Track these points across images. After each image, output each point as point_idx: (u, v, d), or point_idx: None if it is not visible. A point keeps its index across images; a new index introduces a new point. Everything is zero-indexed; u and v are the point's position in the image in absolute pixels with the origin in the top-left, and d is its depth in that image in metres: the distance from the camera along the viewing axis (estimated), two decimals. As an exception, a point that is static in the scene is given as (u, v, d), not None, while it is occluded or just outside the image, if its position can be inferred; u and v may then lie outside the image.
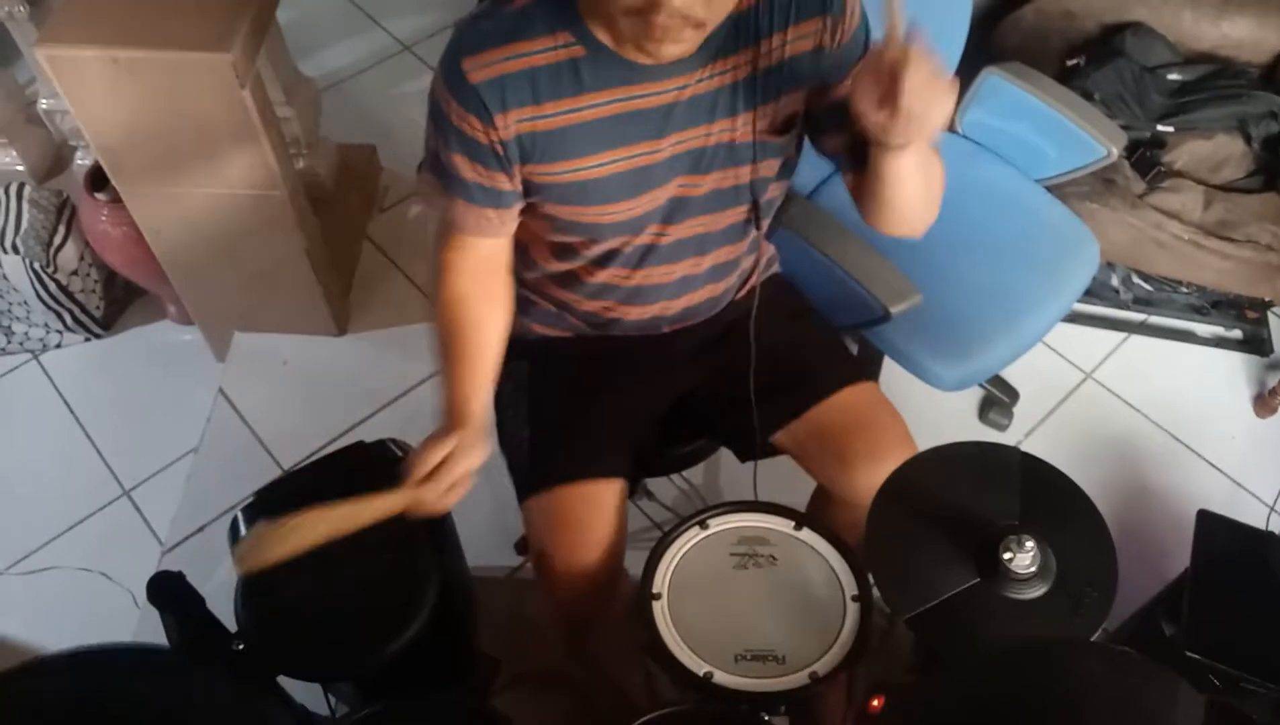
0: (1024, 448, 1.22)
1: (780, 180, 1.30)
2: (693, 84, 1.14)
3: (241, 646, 1.23)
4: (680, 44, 1.03)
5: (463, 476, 1.14)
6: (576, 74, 1.11)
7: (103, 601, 1.99)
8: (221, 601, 1.27)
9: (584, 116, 1.13)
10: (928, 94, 0.96)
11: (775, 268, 1.53)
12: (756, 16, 1.13)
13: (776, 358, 1.36)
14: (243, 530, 1.41)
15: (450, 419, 1.18)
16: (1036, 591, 1.08)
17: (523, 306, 1.44)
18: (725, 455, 1.56)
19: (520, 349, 1.47)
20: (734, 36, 1.14)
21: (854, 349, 1.98)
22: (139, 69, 1.74)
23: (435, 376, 1.25)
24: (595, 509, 1.34)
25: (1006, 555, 1.07)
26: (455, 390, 1.21)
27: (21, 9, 2.19)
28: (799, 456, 1.42)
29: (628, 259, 1.29)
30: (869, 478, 1.32)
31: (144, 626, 1.88)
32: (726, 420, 1.49)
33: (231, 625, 1.26)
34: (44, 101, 2.40)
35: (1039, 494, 1.17)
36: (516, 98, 1.11)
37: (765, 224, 1.35)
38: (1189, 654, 1.42)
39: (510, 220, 1.23)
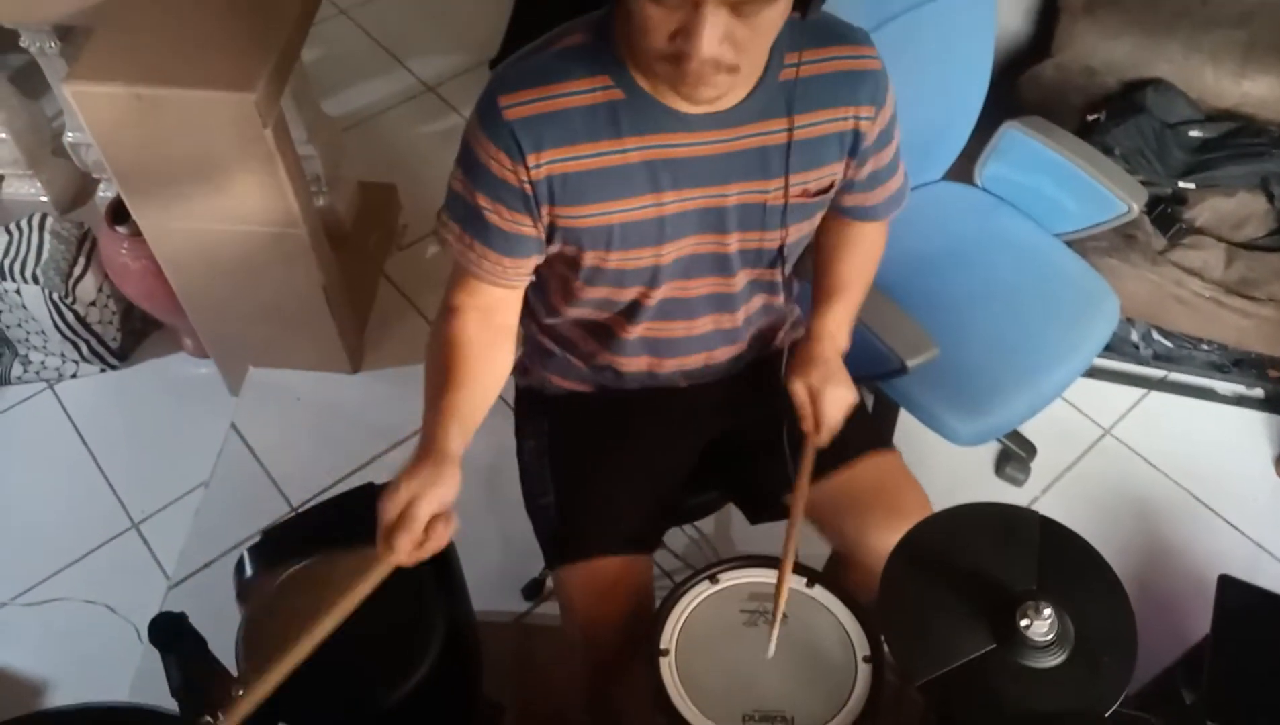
0: (1041, 503, 1.21)
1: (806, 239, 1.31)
2: (729, 140, 1.14)
3: (241, 693, 1.21)
4: (715, 89, 1.03)
5: (437, 517, 1.07)
6: (614, 118, 1.11)
7: (107, 635, 1.98)
8: (226, 638, 1.26)
9: (616, 161, 1.13)
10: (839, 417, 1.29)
11: (802, 330, 1.52)
12: (801, 88, 1.14)
13: (791, 436, 1.35)
14: (248, 571, 1.40)
15: (423, 452, 1.12)
16: (1054, 659, 1.05)
17: (543, 357, 1.43)
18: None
19: (540, 405, 1.47)
20: (779, 103, 1.14)
21: (870, 401, 1.97)
22: (163, 106, 1.76)
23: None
24: (626, 579, 1.33)
25: (1024, 622, 1.05)
26: (437, 424, 1.14)
27: (53, 45, 2.22)
28: (814, 519, 1.40)
29: (650, 312, 1.28)
30: (885, 542, 1.30)
31: (147, 662, 1.86)
32: (742, 479, 1.48)
33: (233, 667, 1.25)
34: (70, 135, 2.43)
35: (1057, 558, 1.14)
36: (551, 139, 1.10)
37: (793, 285, 1.35)
38: (1209, 722, 1.39)
39: (525, 271, 1.22)
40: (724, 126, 1.14)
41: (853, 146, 1.22)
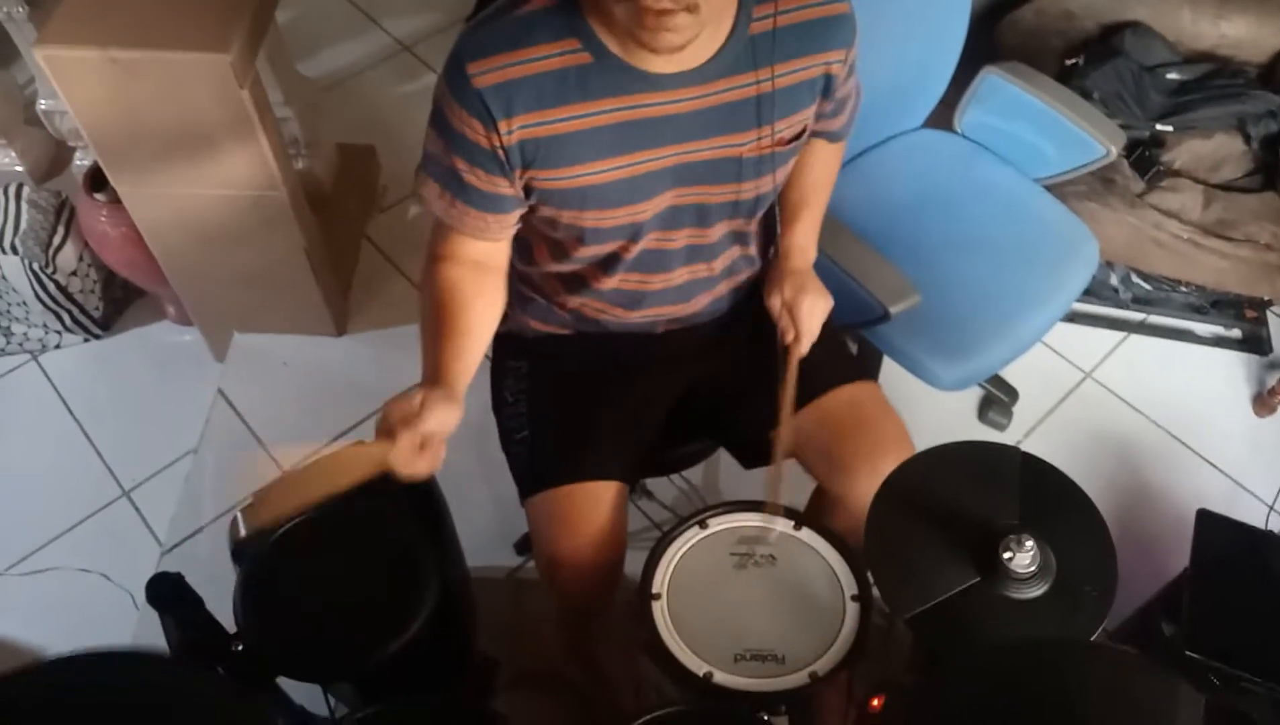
0: (1023, 447, 1.22)
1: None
2: (701, 96, 1.14)
3: (241, 647, 1.23)
4: (676, 32, 1.02)
5: (434, 436, 1.08)
6: (583, 81, 1.11)
7: (102, 602, 1.99)
8: (221, 601, 1.27)
9: (588, 123, 1.13)
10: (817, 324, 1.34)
11: None
12: (773, 42, 1.14)
13: (776, 356, 1.36)
14: (242, 531, 1.41)
15: (425, 381, 1.15)
16: (1036, 591, 1.08)
17: (521, 302, 1.44)
18: (725, 455, 1.56)
19: (519, 347, 1.48)
20: (748, 57, 1.14)
21: (854, 349, 1.98)
22: (137, 69, 1.74)
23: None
24: (596, 508, 1.34)
25: (1006, 555, 1.07)
26: (436, 358, 1.16)
27: (20, 10, 2.18)
28: (797, 454, 1.42)
29: (628, 263, 1.29)
30: (866, 479, 1.32)
31: (143, 627, 1.87)
32: (727, 421, 1.49)
33: (231, 626, 1.26)
34: (43, 102, 2.39)
35: (1039, 494, 1.16)
36: (521, 103, 1.10)
37: (773, 226, 1.36)
38: (1189, 653, 1.42)
39: (508, 225, 1.22)
40: (694, 84, 1.14)
41: (825, 88, 1.23)
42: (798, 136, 1.24)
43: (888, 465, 1.24)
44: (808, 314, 1.32)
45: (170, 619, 1.24)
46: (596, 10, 1.08)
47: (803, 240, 1.39)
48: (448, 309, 1.20)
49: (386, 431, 1.07)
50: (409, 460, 1.07)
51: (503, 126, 1.11)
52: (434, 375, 1.15)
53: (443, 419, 1.09)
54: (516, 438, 1.42)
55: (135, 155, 1.91)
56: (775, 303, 1.33)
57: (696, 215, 1.26)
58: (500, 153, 1.13)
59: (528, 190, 1.19)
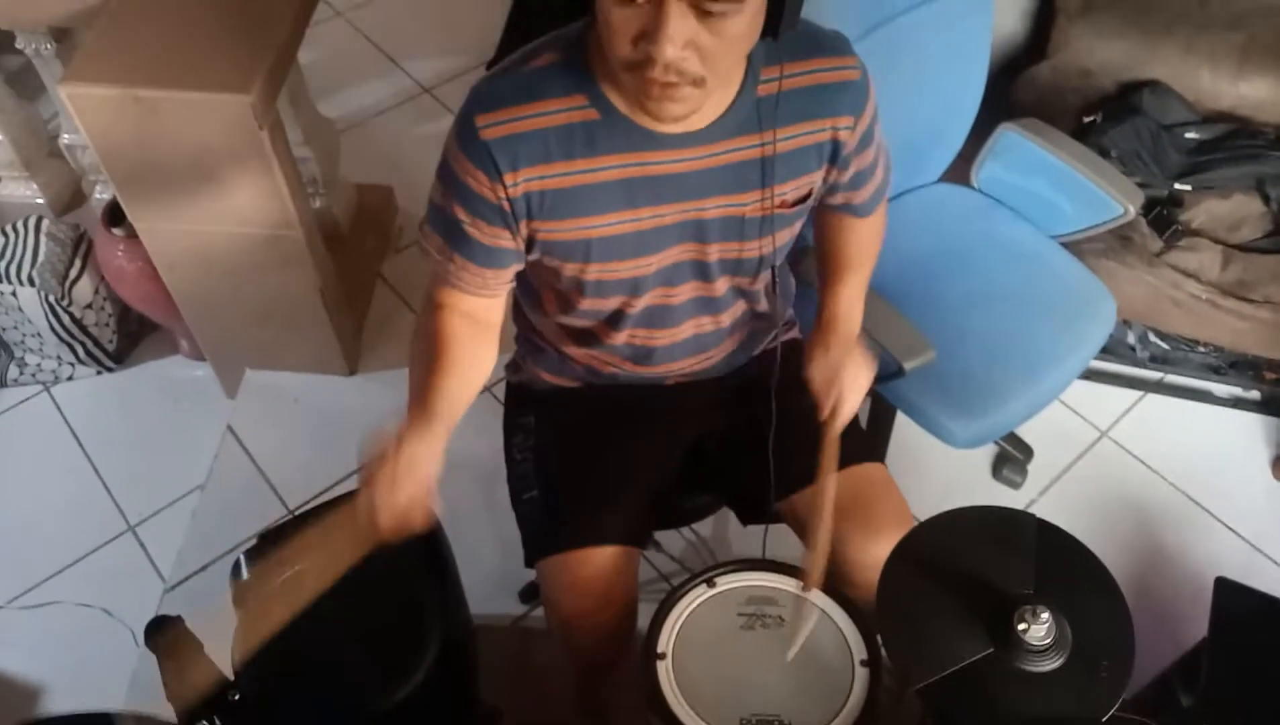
0: (1038, 506, 1.21)
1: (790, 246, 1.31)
2: (706, 156, 1.15)
3: (238, 696, 1.21)
4: (681, 103, 1.03)
5: (415, 472, 1.07)
6: (589, 136, 1.11)
7: (103, 638, 1.98)
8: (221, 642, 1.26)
9: (594, 178, 1.13)
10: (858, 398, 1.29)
11: (795, 332, 1.52)
12: (778, 104, 1.14)
13: (789, 425, 1.35)
14: (244, 573, 1.40)
15: (407, 417, 1.13)
16: (1052, 663, 1.05)
17: (534, 353, 1.44)
18: (734, 509, 1.54)
19: (528, 400, 1.47)
20: (754, 117, 1.14)
21: (867, 404, 1.97)
22: (159, 108, 1.76)
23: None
24: (609, 572, 1.33)
25: (1021, 626, 1.05)
26: (420, 395, 1.15)
27: (49, 46, 2.22)
28: (795, 527, 1.40)
29: (633, 318, 1.29)
30: (857, 554, 1.31)
31: (143, 665, 1.86)
32: (733, 481, 1.48)
33: (229, 671, 1.24)
34: (66, 136, 2.43)
35: (1054, 561, 1.14)
36: (527, 157, 1.11)
37: (778, 291, 1.36)
38: (1206, 726, 1.39)
39: (505, 280, 1.23)
40: (700, 144, 1.14)
41: (832, 155, 1.22)
42: (802, 200, 1.24)
43: (883, 544, 1.22)
44: (849, 387, 1.27)
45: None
46: (605, 71, 1.09)
47: (846, 307, 1.34)
48: (437, 350, 1.20)
49: (366, 476, 1.07)
50: (400, 525, 1.06)
51: (508, 179, 1.11)
52: (415, 410, 1.15)
53: (420, 453, 1.08)
54: (525, 497, 1.41)
55: (153, 191, 1.93)
56: (815, 378, 1.28)
57: (699, 271, 1.26)
58: (505, 205, 1.13)
59: (531, 242, 1.19)
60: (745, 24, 0.98)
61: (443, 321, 1.22)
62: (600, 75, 1.10)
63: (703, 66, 0.99)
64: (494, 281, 1.21)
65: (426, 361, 1.19)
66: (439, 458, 1.11)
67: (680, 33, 0.95)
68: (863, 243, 1.39)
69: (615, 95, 1.10)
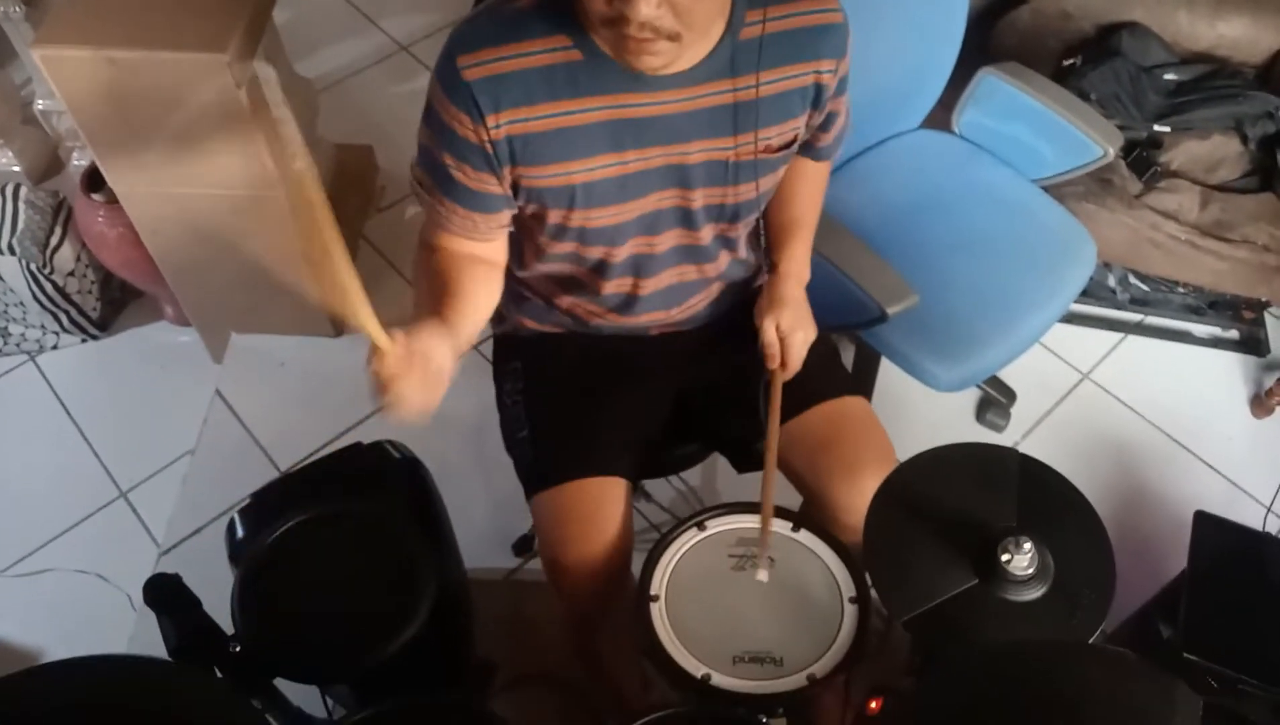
0: (1021, 448, 1.22)
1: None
2: (691, 99, 1.15)
3: (239, 649, 1.23)
4: (657, 56, 1.03)
5: (430, 360, 1.05)
6: (572, 78, 1.11)
7: (100, 603, 1.99)
8: (219, 603, 1.27)
9: (576, 120, 1.13)
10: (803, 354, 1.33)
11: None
12: (761, 48, 1.14)
13: (754, 374, 1.36)
14: (239, 532, 1.41)
15: (435, 327, 1.11)
16: (1034, 593, 1.08)
17: (517, 302, 1.44)
18: (722, 458, 1.56)
19: (514, 347, 1.48)
20: (736, 62, 1.14)
21: (851, 350, 1.99)
22: (135, 69, 1.73)
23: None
24: (602, 505, 1.34)
25: (1004, 557, 1.07)
26: (432, 312, 1.15)
27: (18, 9, 2.18)
28: (782, 466, 1.42)
29: (617, 267, 1.29)
30: (845, 495, 1.33)
31: (141, 629, 1.88)
32: (722, 426, 1.49)
33: (229, 627, 1.26)
34: (40, 102, 2.39)
35: (1036, 496, 1.16)
36: (510, 98, 1.10)
37: (761, 232, 1.36)
38: (1186, 656, 1.42)
39: (497, 226, 1.23)
40: (684, 86, 1.14)
41: (815, 98, 1.23)
42: (787, 145, 1.24)
43: (868, 482, 1.24)
44: (799, 346, 1.32)
45: (168, 620, 1.24)
46: (588, 14, 1.08)
47: (795, 265, 1.37)
48: (440, 283, 1.19)
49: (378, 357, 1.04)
50: (398, 372, 1.03)
51: (490, 121, 1.11)
52: (425, 316, 1.13)
53: (436, 344, 1.06)
54: (518, 436, 1.42)
55: (132, 155, 1.91)
56: (769, 329, 1.31)
57: (684, 218, 1.26)
58: (488, 147, 1.13)
59: (515, 189, 1.19)
60: None
61: (440, 259, 1.23)
62: (584, 18, 1.09)
63: (677, 23, 0.99)
64: (484, 226, 1.21)
65: (432, 295, 1.18)
66: (451, 347, 1.09)
67: None
68: (810, 195, 1.41)
69: (599, 37, 1.10)
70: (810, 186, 1.41)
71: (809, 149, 1.36)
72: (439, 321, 1.12)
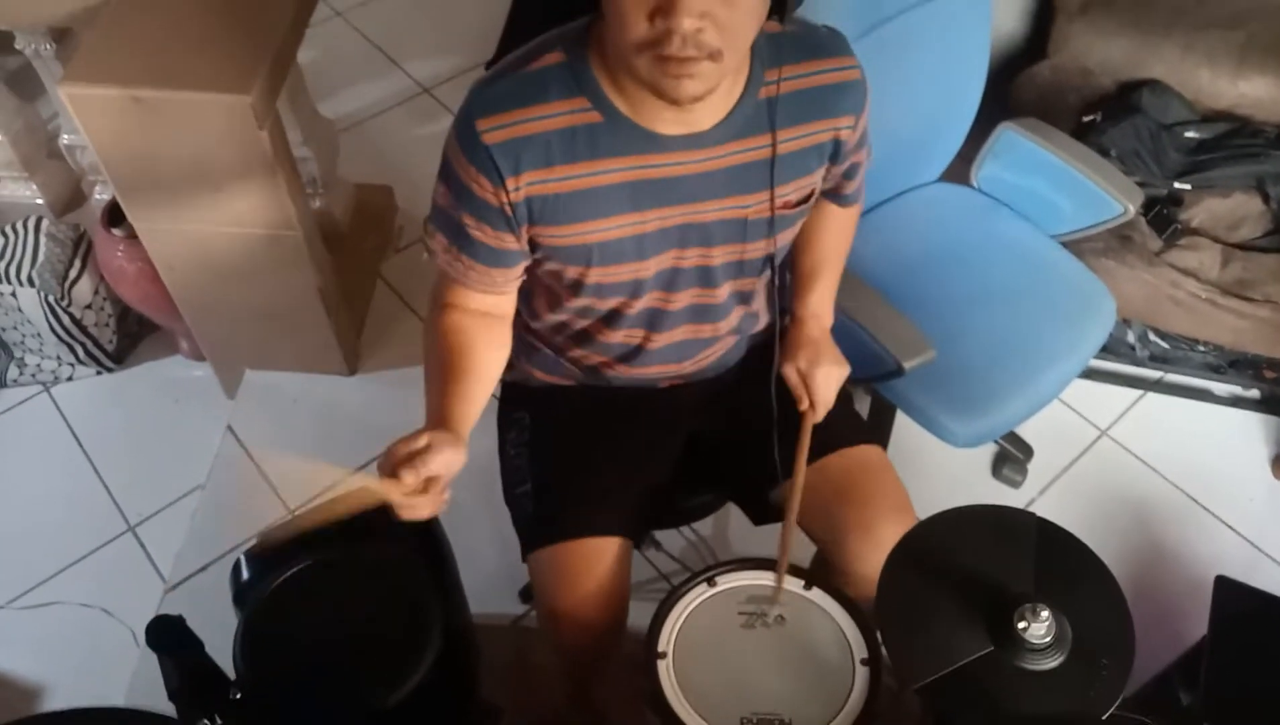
0: (1038, 505, 1.21)
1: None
2: (708, 159, 1.15)
3: (239, 695, 1.21)
4: (699, 80, 1.02)
5: (439, 479, 1.07)
6: (592, 139, 1.11)
7: (104, 638, 1.98)
8: (223, 641, 1.26)
9: (595, 181, 1.13)
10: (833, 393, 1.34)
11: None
12: (780, 105, 1.15)
13: (789, 415, 1.35)
14: (244, 575, 1.40)
15: (430, 424, 1.13)
16: (1052, 662, 1.05)
17: (526, 352, 1.44)
18: (735, 508, 1.54)
19: (522, 397, 1.47)
20: (756, 119, 1.15)
21: (867, 402, 1.97)
22: (159, 108, 1.75)
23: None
24: (598, 565, 1.32)
25: (1021, 624, 1.05)
26: (441, 401, 1.15)
27: (48, 47, 2.22)
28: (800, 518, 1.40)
29: (630, 320, 1.29)
30: (860, 547, 1.31)
31: (144, 665, 1.86)
32: (733, 475, 1.48)
33: (231, 669, 1.25)
34: (65, 136, 2.42)
35: (1054, 560, 1.14)
36: (530, 161, 1.10)
37: (775, 286, 1.37)
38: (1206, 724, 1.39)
39: (513, 278, 1.23)
40: (702, 147, 1.14)
41: (834, 154, 1.24)
42: (804, 201, 1.24)
43: (884, 533, 1.22)
44: (823, 383, 1.31)
45: (169, 662, 1.22)
46: (606, 70, 1.09)
47: (818, 307, 1.38)
48: (453, 353, 1.20)
49: (389, 470, 1.06)
50: (411, 501, 1.06)
51: (510, 184, 1.11)
52: (438, 418, 1.14)
53: (447, 461, 1.07)
54: (518, 491, 1.41)
55: (153, 192, 1.93)
56: (790, 373, 1.33)
57: (701, 276, 1.26)
58: (507, 209, 1.13)
59: (533, 245, 1.19)
60: None
61: (451, 321, 1.22)
62: (603, 76, 1.09)
63: (719, 38, 0.99)
64: (501, 280, 1.21)
65: (441, 367, 1.19)
66: (463, 455, 1.10)
67: (696, 3, 0.95)
68: (842, 235, 1.42)
69: (618, 97, 1.10)
70: (834, 231, 1.41)
71: (835, 196, 1.37)
72: (448, 428, 1.11)
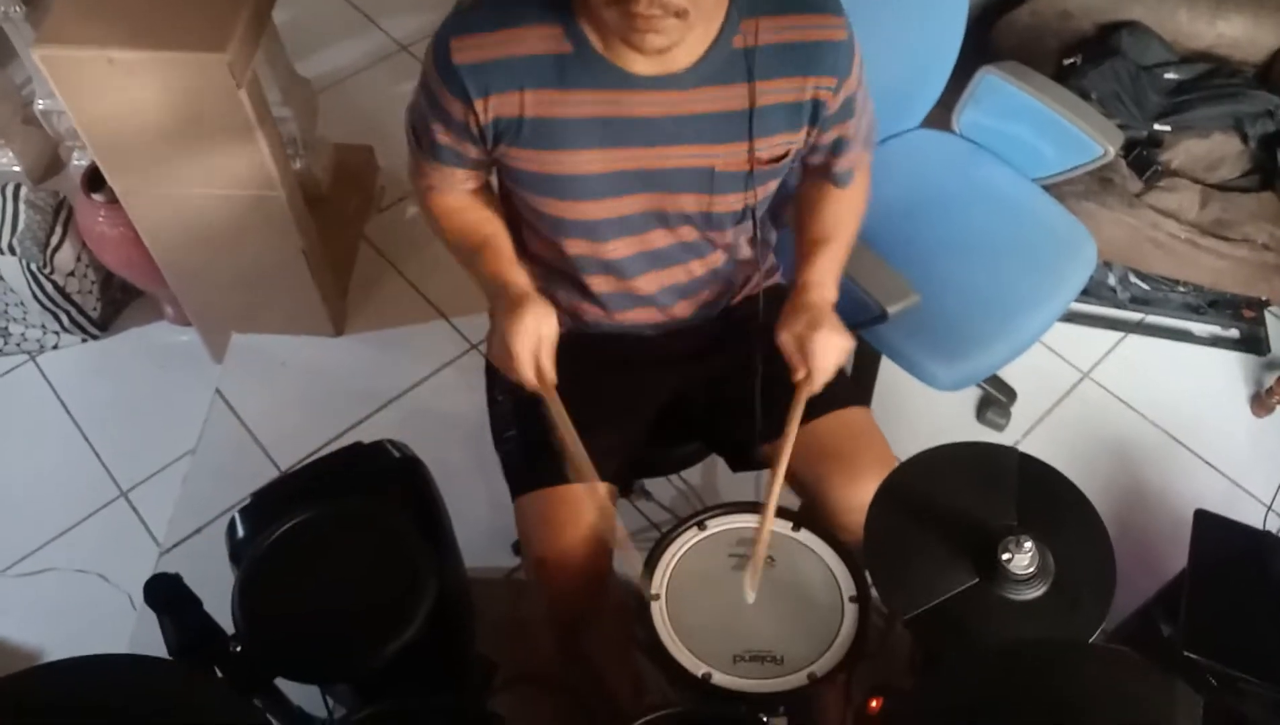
0: (1022, 447, 1.22)
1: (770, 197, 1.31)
2: (678, 103, 1.15)
3: (239, 649, 1.23)
4: (663, 35, 1.03)
5: (544, 340, 1.18)
6: (561, 69, 1.12)
7: (100, 603, 1.99)
8: (220, 602, 1.27)
9: (563, 111, 1.14)
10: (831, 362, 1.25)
11: (777, 277, 1.53)
12: (758, 56, 1.14)
13: (772, 371, 1.36)
14: (240, 532, 1.41)
15: (505, 294, 1.20)
16: (1035, 592, 1.08)
17: None
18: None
19: None
20: (731, 68, 1.14)
21: (851, 349, 1.98)
22: (135, 69, 1.74)
23: (473, 267, 1.28)
24: (582, 510, 1.34)
25: (1005, 556, 1.07)
26: (504, 273, 1.22)
27: (18, 9, 2.18)
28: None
29: (602, 264, 1.30)
30: (844, 497, 1.33)
31: (141, 628, 1.87)
32: (720, 427, 1.49)
33: (229, 627, 1.26)
34: (40, 102, 2.39)
35: (1037, 495, 1.16)
36: (498, 83, 1.12)
37: (757, 240, 1.36)
38: (1187, 654, 1.42)
39: (479, 178, 1.29)
40: (672, 89, 1.14)
41: (813, 115, 1.22)
42: (779, 159, 1.23)
43: (868, 483, 1.23)
44: (821, 351, 1.22)
45: (168, 620, 1.24)
46: (584, 6, 1.08)
47: (818, 276, 1.30)
48: (468, 231, 1.28)
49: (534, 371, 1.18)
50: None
51: (478, 105, 1.14)
52: (509, 290, 1.20)
53: (554, 330, 1.19)
54: (506, 436, 1.43)
55: (133, 155, 1.91)
56: (786, 338, 1.25)
57: (663, 220, 1.26)
58: (474, 128, 1.17)
59: (501, 166, 1.24)
60: None
61: (447, 202, 1.30)
62: (578, 9, 1.10)
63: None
64: (463, 180, 1.28)
65: (470, 246, 1.27)
66: (552, 312, 1.19)
67: None
68: (840, 215, 1.37)
69: (591, 31, 1.10)
70: (835, 209, 1.36)
71: (826, 173, 1.34)
72: (531, 301, 1.19)
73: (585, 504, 1.34)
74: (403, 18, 3.14)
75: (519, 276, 1.22)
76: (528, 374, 1.17)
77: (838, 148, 1.30)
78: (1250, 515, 2.01)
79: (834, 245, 1.34)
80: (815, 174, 1.37)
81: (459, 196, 1.31)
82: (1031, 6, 2.27)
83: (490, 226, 1.29)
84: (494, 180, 1.35)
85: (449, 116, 1.17)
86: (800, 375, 1.25)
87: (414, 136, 1.26)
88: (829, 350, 1.23)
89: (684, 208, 1.24)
